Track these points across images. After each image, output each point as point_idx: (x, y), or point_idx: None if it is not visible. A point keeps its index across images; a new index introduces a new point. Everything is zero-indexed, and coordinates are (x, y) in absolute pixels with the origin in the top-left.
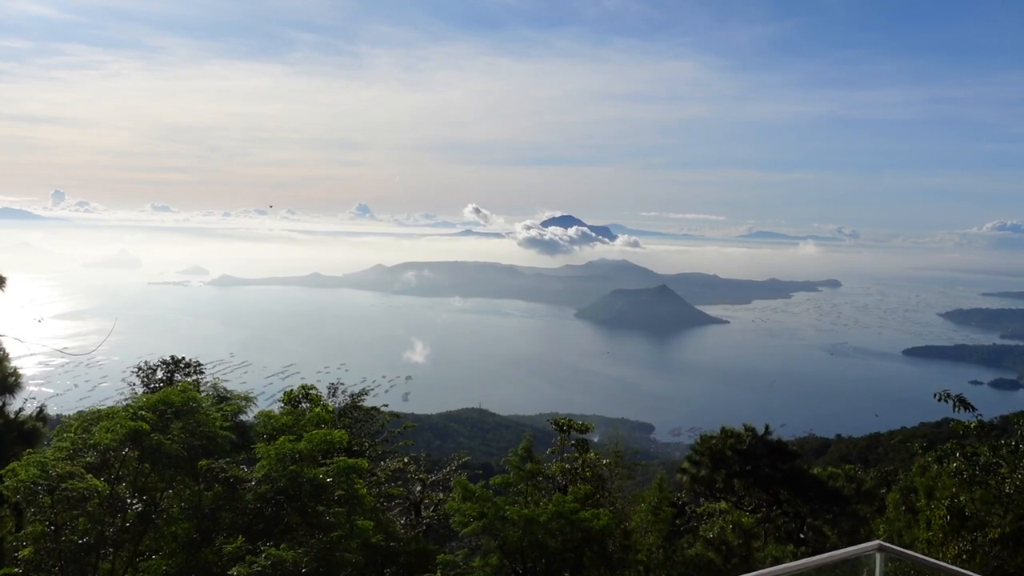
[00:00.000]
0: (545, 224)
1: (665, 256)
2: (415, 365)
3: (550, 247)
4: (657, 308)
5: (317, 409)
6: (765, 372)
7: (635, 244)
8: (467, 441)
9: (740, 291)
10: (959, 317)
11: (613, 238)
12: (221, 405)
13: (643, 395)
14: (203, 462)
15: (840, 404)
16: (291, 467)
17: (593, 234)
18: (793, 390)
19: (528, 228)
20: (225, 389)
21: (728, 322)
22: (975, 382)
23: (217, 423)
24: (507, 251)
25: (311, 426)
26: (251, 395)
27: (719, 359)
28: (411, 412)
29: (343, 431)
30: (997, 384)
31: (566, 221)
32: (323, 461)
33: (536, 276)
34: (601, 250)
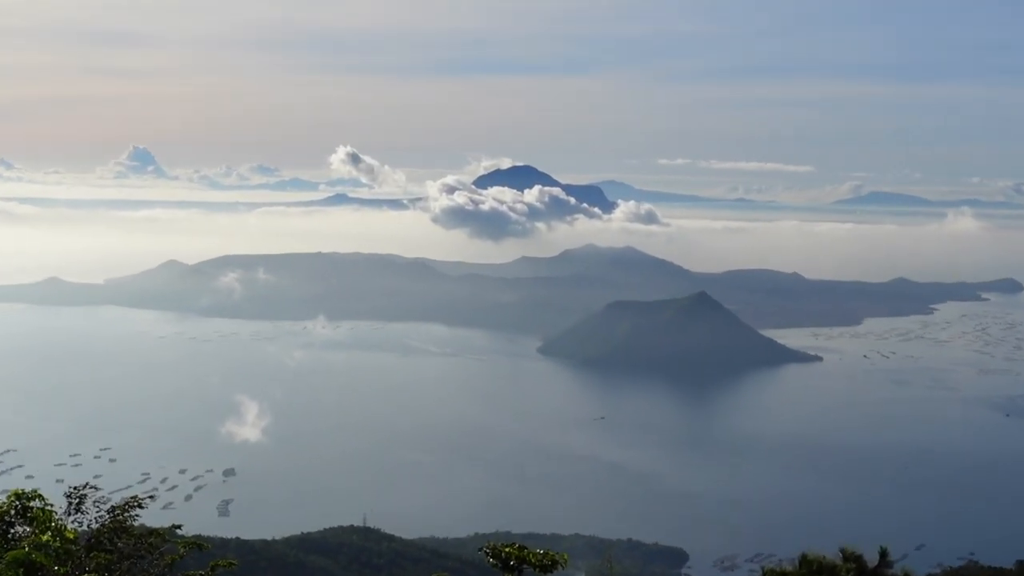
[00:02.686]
0: (482, 183)
1: (705, 240)
2: (242, 447)
3: (492, 224)
4: (692, 335)
5: (45, 537)
6: (885, 449)
7: (648, 218)
8: None
9: (842, 301)
10: None
11: (608, 207)
12: None
13: (667, 497)
14: None
15: (1021, 508)
16: None
17: (572, 200)
18: (935, 481)
19: (451, 191)
20: None
21: (820, 359)
22: None
23: None
24: (412, 231)
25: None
26: None
27: (801, 426)
28: (234, 536)
29: None
30: None
31: (520, 176)
32: None
33: (467, 278)
34: (586, 229)
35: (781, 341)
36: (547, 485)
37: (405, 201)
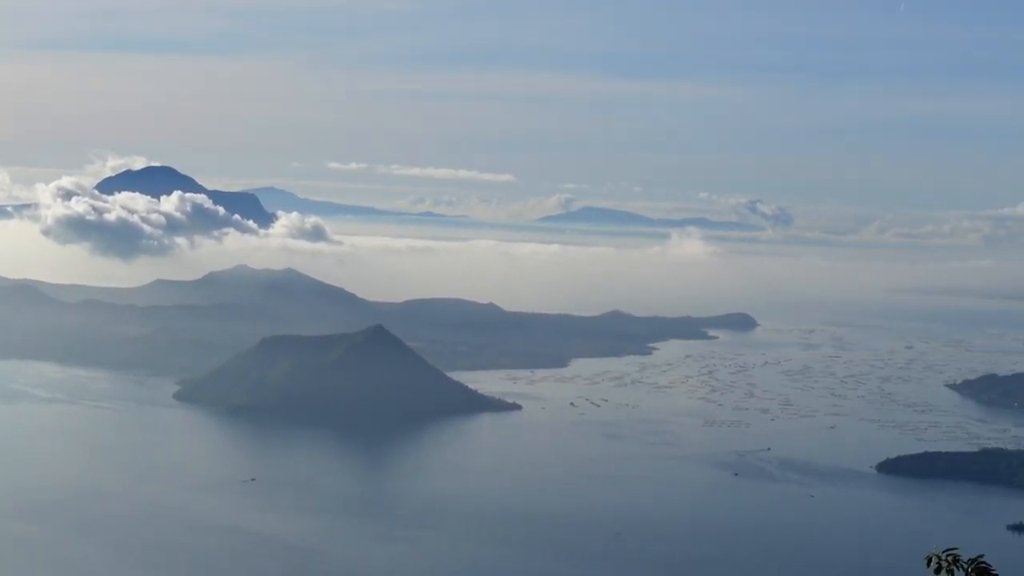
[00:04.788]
0: (108, 186)
1: (383, 261)
2: None
3: (120, 238)
4: (365, 377)
5: None
6: (595, 515)
7: (315, 234)
8: None
9: (546, 338)
10: (987, 389)
11: (266, 219)
12: None
13: None
14: None
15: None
16: None
17: (220, 210)
18: (653, 552)
19: (67, 196)
20: None
21: (519, 407)
22: (1019, 526)
23: None
24: (17, 246)
25: None
26: None
27: (496, 489)
28: None
29: None
30: None
31: (157, 180)
32: None
33: (87, 306)
34: (238, 246)
35: (473, 386)
36: (175, 561)
37: (9, 208)
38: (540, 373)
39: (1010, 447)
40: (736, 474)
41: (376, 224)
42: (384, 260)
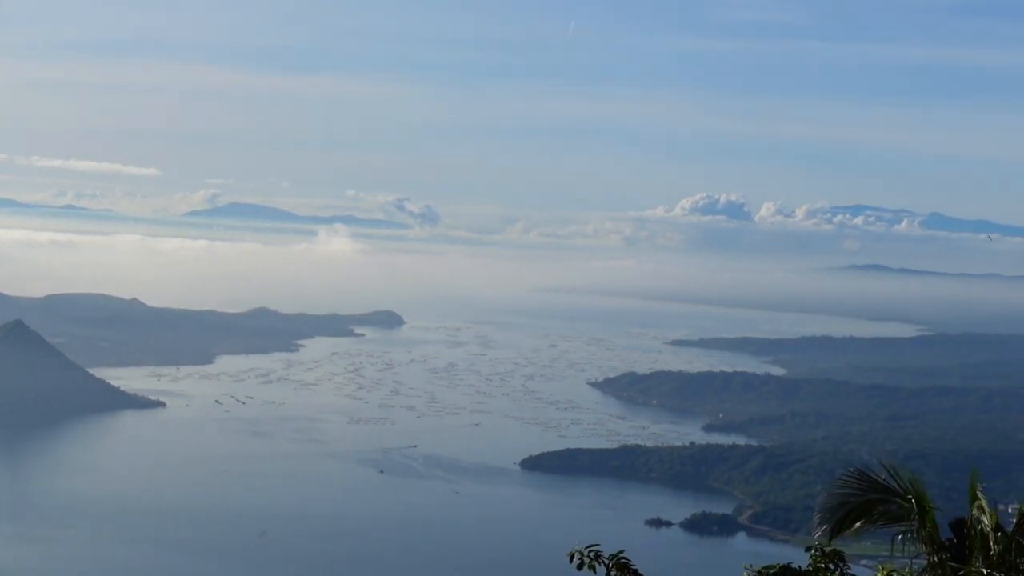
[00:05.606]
0: None
1: (23, 255)
2: None
3: None
4: (2, 374)
5: None
6: (240, 514)
7: None
8: None
9: (192, 334)
10: (627, 387)
11: None
12: None
13: None
14: None
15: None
16: None
17: None
18: (299, 551)
19: None
20: None
21: (163, 404)
22: (656, 521)
23: None
24: None
25: None
26: None
27: (138, 487)
28: None
29: None
30: (695, 524)
31: None
32: None
33: None
34: None
35: (116, 383)
36: None
37: None
38: (185, 370)
39: (648, 444)
40: (382, 471)
41: (16, 217)
42: (25, 253)
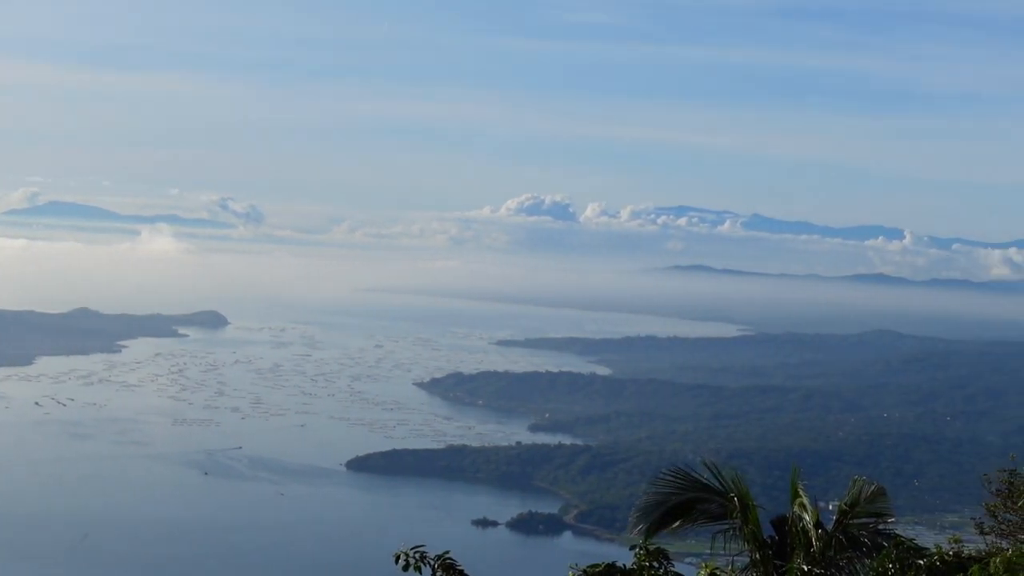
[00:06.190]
0: None
1: None
2: None
3: None
4: None
5: None
6: (61, 517)
7: None
8: None
9: (10, 335)
10: (453, 387)
11: None
12: None
13: None
14: None
15: None
16: None
17: None
18: (124, 554)
19: None
20: None
21: None
22: (482, 521)
23: None
24: None
25: None
26: None
27: None
28: None
29: None
30: (521, 523)
31: None
32: None
33: None
34: None
35: None
36: None
37: None
38: (3, 371)
39: (474, 444)
40: (207, 473)
41: None
42: None
